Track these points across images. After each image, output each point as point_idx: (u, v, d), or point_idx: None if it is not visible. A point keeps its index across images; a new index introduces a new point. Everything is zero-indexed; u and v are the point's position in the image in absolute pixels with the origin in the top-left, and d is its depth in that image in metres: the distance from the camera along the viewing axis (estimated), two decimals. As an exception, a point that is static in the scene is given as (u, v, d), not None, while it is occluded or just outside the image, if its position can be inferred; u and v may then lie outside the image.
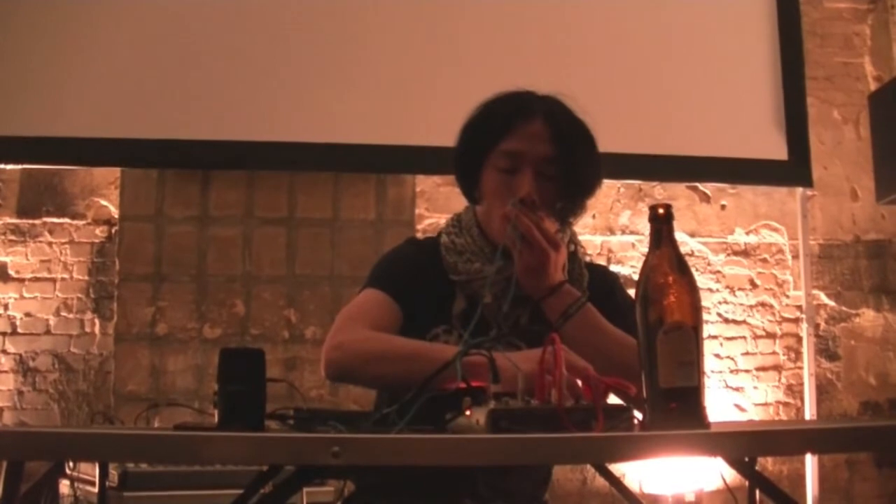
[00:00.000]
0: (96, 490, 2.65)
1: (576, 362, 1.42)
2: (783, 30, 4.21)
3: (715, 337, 4.51)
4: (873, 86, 4.80)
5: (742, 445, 1.23)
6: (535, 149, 1.75)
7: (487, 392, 1.31)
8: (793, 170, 4.16)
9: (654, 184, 4.56)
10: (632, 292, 1.42)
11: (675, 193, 4.58)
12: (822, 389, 4.55)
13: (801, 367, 4.45)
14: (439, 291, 1.79)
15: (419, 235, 3.75)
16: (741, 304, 4.62)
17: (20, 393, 4.04)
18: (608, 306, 1.78)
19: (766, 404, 4.55)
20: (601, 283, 1.88)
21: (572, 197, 1.78)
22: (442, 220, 1.94)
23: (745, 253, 4.68)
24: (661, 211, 1.35)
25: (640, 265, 1.37)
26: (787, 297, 4.66)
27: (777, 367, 4.60)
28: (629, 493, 2.16)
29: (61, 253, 4.14)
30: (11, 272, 4.09)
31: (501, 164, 1.76)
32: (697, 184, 4.61)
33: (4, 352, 4.05)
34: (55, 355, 4.08)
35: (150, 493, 2.73)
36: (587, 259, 1.91)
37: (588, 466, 3.92)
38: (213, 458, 1.11)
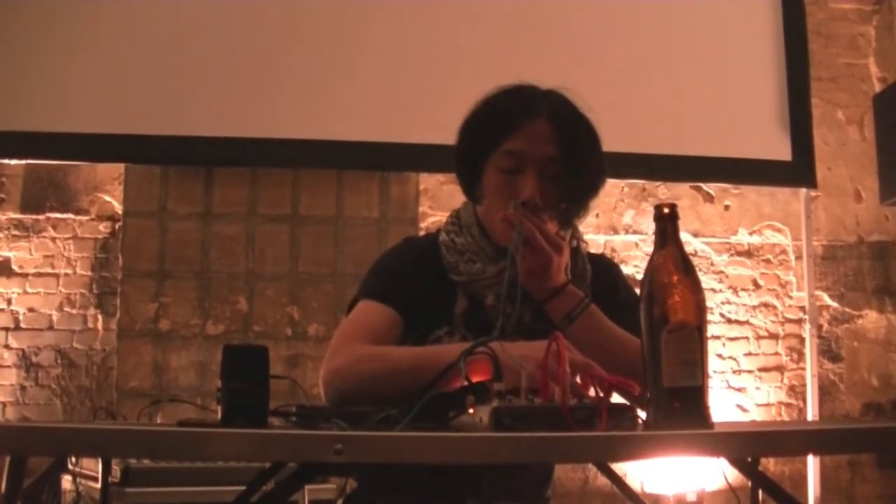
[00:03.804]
0: (98, 486, 2.65)
1: (577, 359, 1.41)
2: (788, 30, 4.21)
3: (718, 337, 4.51)
4: (878, 87, 4.79)
5: (745, 445, 1.23)
6: (539, 149, 1.71)
7: (491, 390, 1.31)
8: (797, 170, 4.16)
9: (658, 183, 4.56)
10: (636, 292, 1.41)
11: (679, 193, 4.58)
12: (825, 390, 4.55)
13: (803, 368, 4.45)
14: (439, 291, 1.77)
15: (422, 233, 3.76)
16: (744, 305, 4.62)
17: (23, 388, 4.04)
18: (612, 300, 1.77)
19: (768, 405, 4.54)
20: (604, 275, 1.86)
21: (576, 198, 1.75)
22: (445, 218, 1.91)
23: (749, 253, 4.67)
24: (666, 210, 1.34)
25: (643, 265, 1.37)
26: (790, 297, 4.65)
27: (780, 368, 4.59)
28: (631, 493, 2.16)
29: (65, 248, 4.14)
30: (15, 267, 4.10)
31: (504, 165, 1.72)
32: (701, 184, 4.61)
33: (7, 347, 4.05)
34: (58, 351, 4.08)
35: (153, 490, 2.73)
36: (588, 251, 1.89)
37: (590, 465, 3.92)
38: (215, 454, 1.11)
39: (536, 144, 1.71)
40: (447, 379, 1.41)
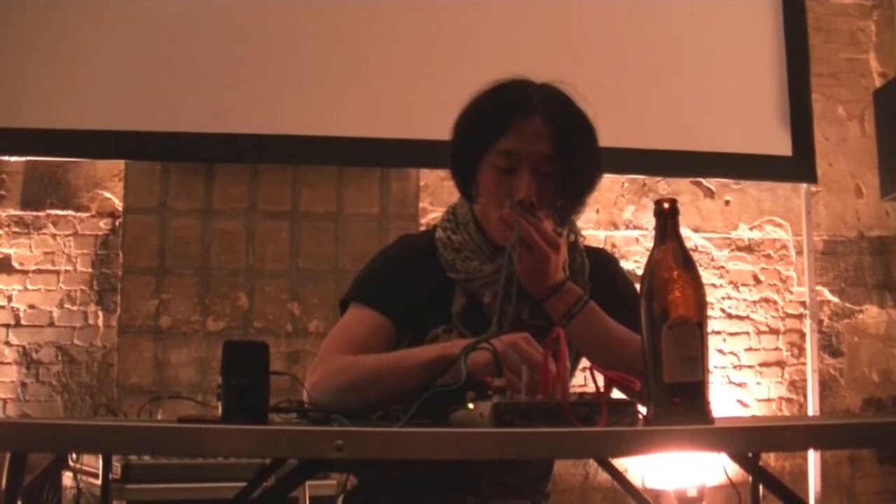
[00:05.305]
0: (99, 482, 2.65)
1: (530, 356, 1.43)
2: (788, 25, 4.20)
3: (718, 332, 4.51)
4: (878, 82, 4.79)
5: (746, 441, 1.23)
6: (534, 148, 1.69)
7: (491, 386, 1.31)
8: (797, 166, 4.16)
9: (659, 179, 4.56)
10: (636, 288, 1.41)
11: (679, 189, 4.58)
12: (825, 385, 4.55)
13: (804, 363, 4.45)
14: (437, 289, 1.75)
15: (423, 229, 3.75)
16: (745, 300, 4.62)
17: (23, 385, 4.04)
18: (610, 294, 1.77)
19: (768, 400, 4.54)
20: (602, 269, 1.85)
21: (572, 194, 1.73)
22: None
23: (749, 249, 4.67)
24: (666, 205, 1.34)
25: (643, 260, 1.37)
26: (791, 292, 4.65)
27: (780, 363, 4.59)
28: (632, 488, 2.16)
29: (65, 245, 4.14)
30: (15, 264, 4.10)
31: (499, 163, 1.71)
32: (701, 179, 4.61)
33: (8, 343, 4.05)
34: (58, 347, 4.08)
35: (153, 486, 2.73)
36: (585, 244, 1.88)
37: (591, 461, 3.92)
38: (216, 450, 1.11)
39: (531, 143, 1.70)
40: (437, 375, 1.43)
